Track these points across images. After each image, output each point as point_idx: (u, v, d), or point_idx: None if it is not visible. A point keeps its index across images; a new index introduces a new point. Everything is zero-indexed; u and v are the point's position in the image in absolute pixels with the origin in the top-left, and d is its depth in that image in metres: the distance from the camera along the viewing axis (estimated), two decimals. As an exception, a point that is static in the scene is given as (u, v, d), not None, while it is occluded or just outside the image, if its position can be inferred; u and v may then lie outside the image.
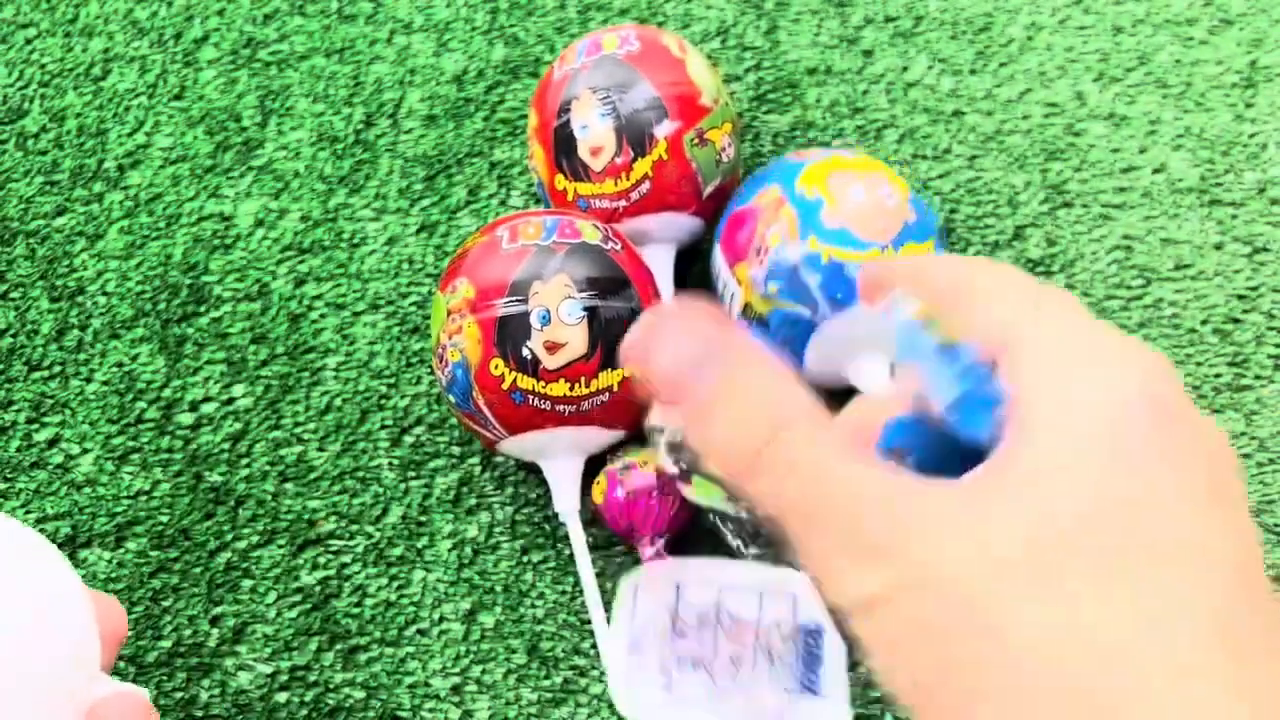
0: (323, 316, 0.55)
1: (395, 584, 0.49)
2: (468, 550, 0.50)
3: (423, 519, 0.50)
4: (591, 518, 0.49)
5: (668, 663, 0.43)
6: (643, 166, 0.50)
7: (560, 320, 0.44)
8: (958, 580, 0.21)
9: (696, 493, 0.46)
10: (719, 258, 0.50)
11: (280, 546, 0.50)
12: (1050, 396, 0.22)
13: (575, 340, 0.45)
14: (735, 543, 0.47)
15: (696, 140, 0.50)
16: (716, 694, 0.42)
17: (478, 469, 0.51)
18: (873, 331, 0.46)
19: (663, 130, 0.50)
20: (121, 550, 0.50)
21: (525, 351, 0.44)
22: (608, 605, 0.48)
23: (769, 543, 0.47)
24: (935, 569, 0.21)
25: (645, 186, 0.50)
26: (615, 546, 0.49)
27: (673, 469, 0.45)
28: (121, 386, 0.54)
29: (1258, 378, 0.52)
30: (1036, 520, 0.21)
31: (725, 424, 0.23)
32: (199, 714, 0.46)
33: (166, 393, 0.54)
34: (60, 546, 0.50)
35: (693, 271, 0.55)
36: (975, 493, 0.22)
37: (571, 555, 0.49)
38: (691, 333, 0.24)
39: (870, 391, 0.47)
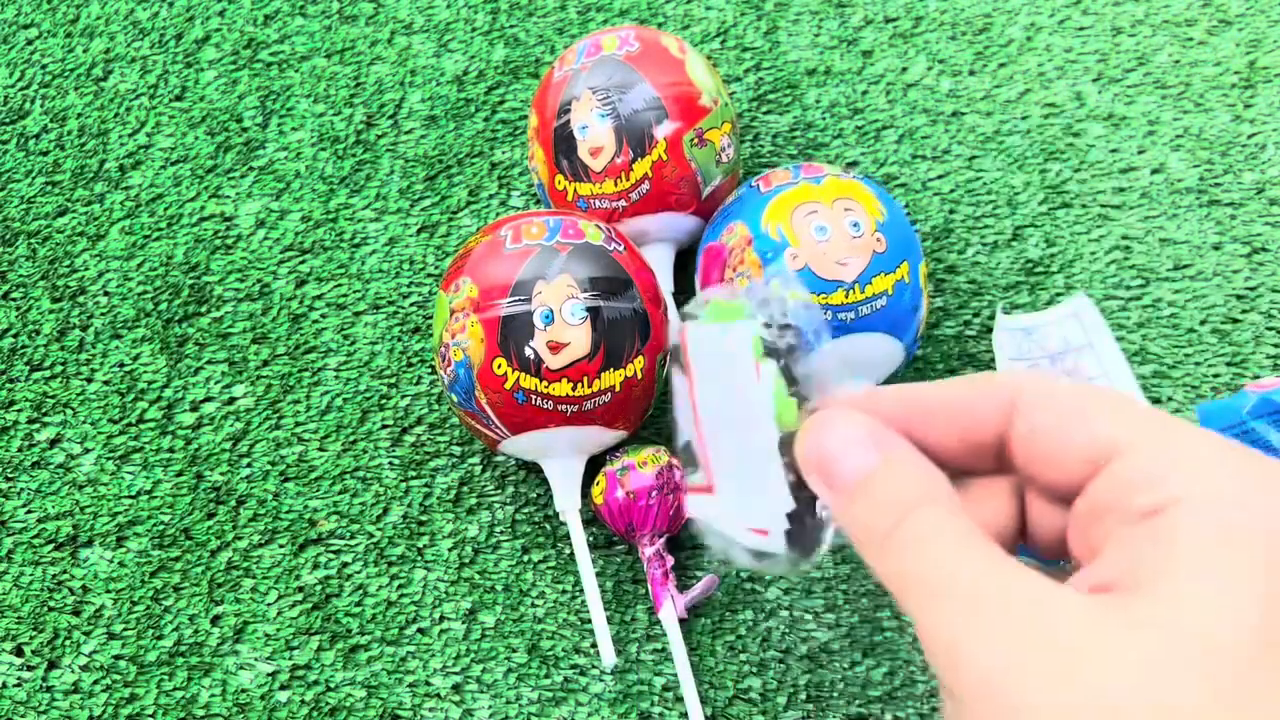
0: (324, 316, 0.55)
1: (396, 583, 0.49)
2: (468, 550, 0.50)
3: (423, 518, 0.50)
4: (592, 517, 0.49)
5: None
6: (642, 167, 0.50)
7: (563, 320, 0.45)
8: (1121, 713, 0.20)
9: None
10: (697, 287, 0.51)
11: (281, 546, 0.50)
12: (1205, 522, 0.22)
13: (578, 340, 0.45)
14: (753, 562, 0.47)
15: (696, 140, 0.50)
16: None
17: (478, 469, 0.51)
18: (850, 362, 0.47)
19: (662, 130, 0.50)
20: (123, 550, 0.50)
21: (528, 351, 0.44)
22: (608, 605, 0.48)
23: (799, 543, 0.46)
24: (1100, 697, 0.20)
25: (645, 187, 0.50)
26: (615, 546, 0.49)
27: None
28: (123, 386, 0.54)
29: (1256, 378, 0.52)
30: (1203, 660, 0.20)
31: (865, 505, 0.25)
32: (199, 713, 0.47)
33: (168, 392, 0.54)
34: (62, 546, 0.51)
35: (692, 272, 0.55)
36: (1133, 616, 0.21)
37: (572, 555, 0.49)
38: (853, 423, 0.27)
39: None
